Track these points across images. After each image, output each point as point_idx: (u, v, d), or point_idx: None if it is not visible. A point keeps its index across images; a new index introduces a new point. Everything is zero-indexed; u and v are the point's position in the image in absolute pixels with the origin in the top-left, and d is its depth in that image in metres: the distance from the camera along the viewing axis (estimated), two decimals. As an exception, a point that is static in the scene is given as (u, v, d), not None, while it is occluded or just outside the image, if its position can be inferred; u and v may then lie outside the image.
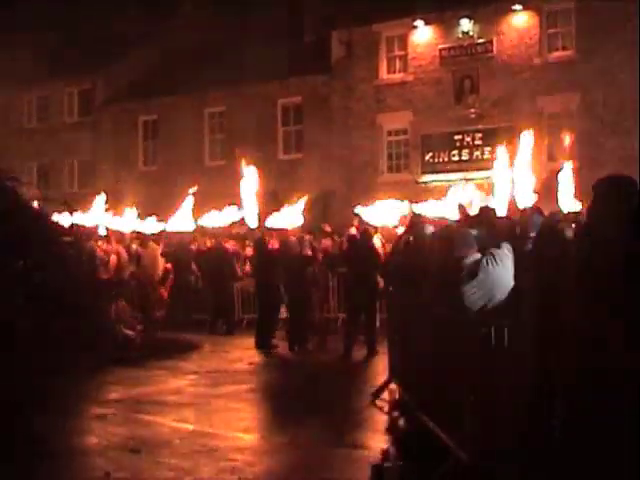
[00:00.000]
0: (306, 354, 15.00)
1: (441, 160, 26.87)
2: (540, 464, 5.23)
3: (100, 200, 19.73)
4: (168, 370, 13.35)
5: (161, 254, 18.93)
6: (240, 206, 17.73)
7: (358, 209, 17.26)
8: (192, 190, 19.59)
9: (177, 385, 12.05)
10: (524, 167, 13.95)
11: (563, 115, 25.41)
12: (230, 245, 19.75)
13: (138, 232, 19.21)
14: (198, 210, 18.87)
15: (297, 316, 15.52)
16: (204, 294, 19.69)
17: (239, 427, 9.24)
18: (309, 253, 16.28)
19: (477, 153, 26.22)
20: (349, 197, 18.15)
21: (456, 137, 26.60)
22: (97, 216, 18.66)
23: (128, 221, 19.60)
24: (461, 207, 10.75)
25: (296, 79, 29.73)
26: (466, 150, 26.42)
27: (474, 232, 7.39)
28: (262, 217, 17.33)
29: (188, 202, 19.37)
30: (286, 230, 16.53)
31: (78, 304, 13.96)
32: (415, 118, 27.47)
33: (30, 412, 9.68)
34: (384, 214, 16.21)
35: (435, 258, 7.61)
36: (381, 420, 9.41)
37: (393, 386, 10.12)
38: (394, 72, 28.36)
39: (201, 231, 20.01)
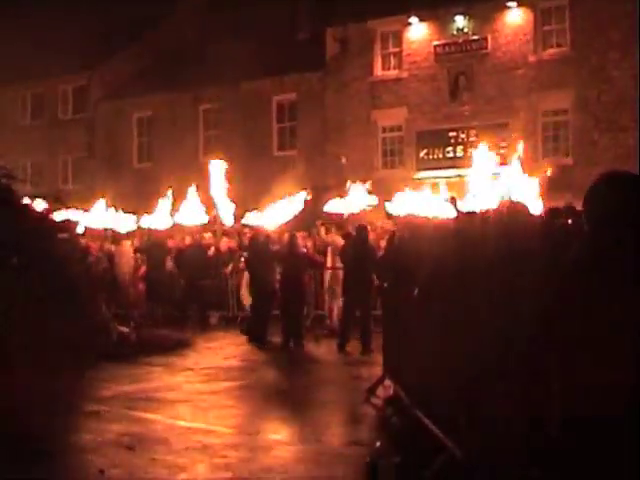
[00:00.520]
0: (301, 351, 15.00)
1: (436, 157, 26.90)
2: (536, 461, 5.24)
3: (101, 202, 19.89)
4: (163, 367, 13.34)
5: (135, 250, 19.08)
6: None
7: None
8: (170, 190, 19.80)
9: (172, 382, 12.05)
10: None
11: (558, 112, 25.46)
12: (224, 242, 19.75)
13: (112, 230, 19.34)
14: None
15: (292, 312, 15.52)
16: (182, 291, 19.61)
17: (234, 424, 9.25)
18: (304, 251, 16.36)
19: (472, 150, 26.22)
20: (343, 194, 18.13)
21: (451, 134, 26.63)
22: (74, 213, 18.75)
23: (101, 218, 19.68)
24: (453, 200, 10.69)
25: (291, 76, 29.75)
26: (461, 147, 26.45)
27: None
28: (238, 215, 17.59)
29: (166, 199, 19.57)
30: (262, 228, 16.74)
31: (74, 301, 13.99)
32: (410, 115, 27.49)
33: (27, 409, 9.69)
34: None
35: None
36: (375, 416, 9.42)
37: (388, 383, 10.13)
38: (389, 69, 28.38)
39: (179, 228, 20.09)
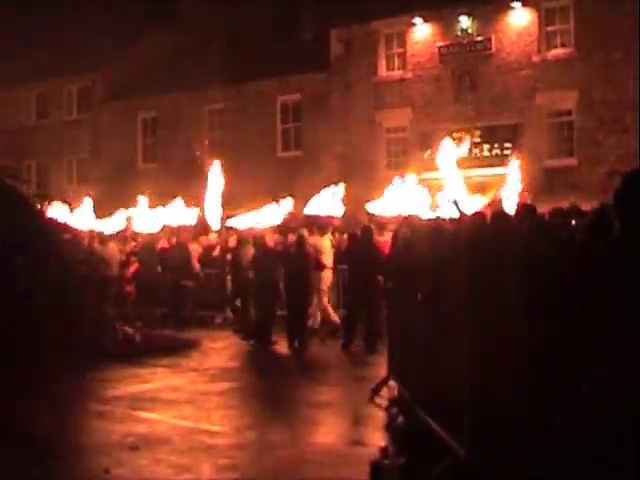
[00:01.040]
0: (306, 351, 14.99)
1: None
2: (539, 461, 5.24)
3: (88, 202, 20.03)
4: (167, 367, 13.35)
5: (129, 252, 19.21)
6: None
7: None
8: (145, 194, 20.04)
9: (176, 382, 12.06)
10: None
11: (562, 113, 25.45)
12: (230, 242, 19.77)
13: (98, 231, 19.43)
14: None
15: (296, 313, 15.51)
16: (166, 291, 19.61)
17: (238, 424, 9.26)
18: (311, 251, 16.38)
19: (476, 151, 26.20)
20: (348, 195, 18.14)
21: (455, 135, 26.56)
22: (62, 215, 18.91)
23: (85, 220, 19.76)
24: (456, 203, 10.66)
25: (295, 77, 29.74)
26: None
27: None
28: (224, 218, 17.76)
29: (143, 201, 19.76)
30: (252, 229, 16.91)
31: (78, 301, 14.01)
32: (414, 115, 27.47)
33: (30, 408, 9.71)
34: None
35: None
36: (380, 417, 9.42)
37: (392, 383, 10.12)
38: (393, 69, 28.36)
39: (166, 230, 20.20)
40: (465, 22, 26.45)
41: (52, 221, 17.67)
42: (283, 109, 30.70)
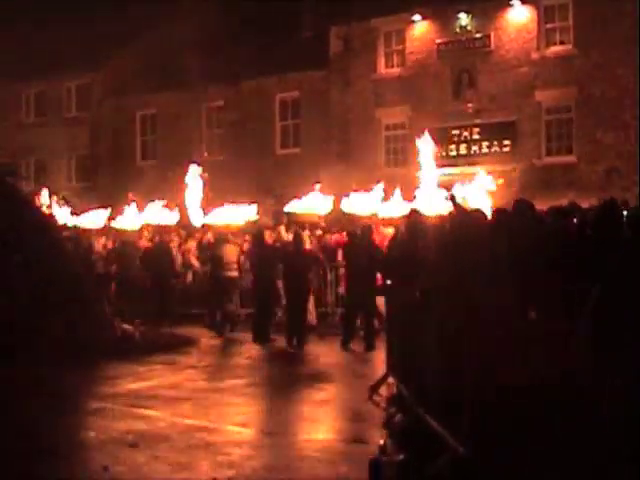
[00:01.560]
0: (304, 349, 15.00)
1: (439, 155, 26.85)
2: (538, 457, 5.25)
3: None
4: (166, 364, 13.35)
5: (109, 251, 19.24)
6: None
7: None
8: (131, 195, 20.07)
9: (175, 379, 12.06)
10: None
11: (561, 110, 25.44)
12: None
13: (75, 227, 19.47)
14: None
15: (295, 310, 15.52)
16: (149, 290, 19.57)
17: (237, 421, 9.25)
18: (309, 248, 16.42)
19: (475, 148, 26.22)
20: (346, 192, 18.18)
21: (454, 132, 26.59)
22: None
23: (61, 216, 19.80)
24: (452, 198, 10.64)
25: (294, 74, 29.74)
26: (464, 145, 26.42)
27: None
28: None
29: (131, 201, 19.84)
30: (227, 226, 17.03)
31: (77, 297, 14.02)
32: (413, 113, 27.46)
33: (29, 406, 9.72)
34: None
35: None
36: (379, 414, 9.42)
37: (391, 381, 10.13)
38: (392, 67, 28.37)
39: (148, 228, 20.23)
40: (464, 19, 26.45)
41: (51, 218, 17.72)
42: (282, 106, 30.71)
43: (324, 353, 14.65)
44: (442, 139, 26.64)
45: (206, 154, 27.76)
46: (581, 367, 4.53)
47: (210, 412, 9.74)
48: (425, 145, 15.88)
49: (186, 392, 11.05)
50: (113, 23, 33.55)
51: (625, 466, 4.31)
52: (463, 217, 7.94)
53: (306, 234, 17.03)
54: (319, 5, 30.14)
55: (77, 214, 20.60)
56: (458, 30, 26.63)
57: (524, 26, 25.75)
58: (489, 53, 26.22)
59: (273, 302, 16.72)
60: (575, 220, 8.62)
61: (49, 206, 19.85)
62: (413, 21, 27.38)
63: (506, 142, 25.68)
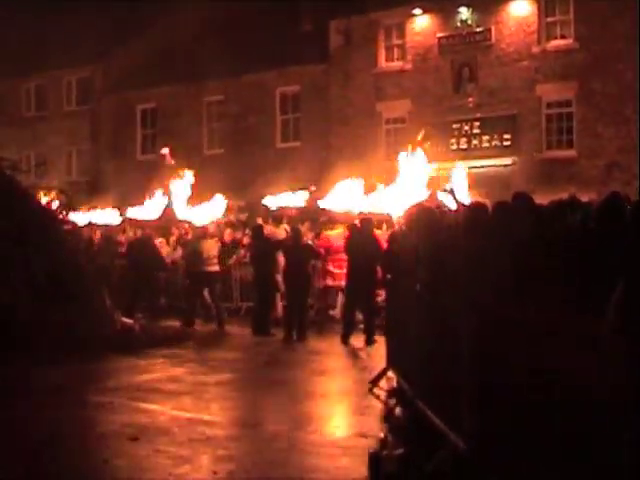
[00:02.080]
0: (304, 342, 15.01)
1: (439, 149, 26.83)
2: (538, 453, 5.25)
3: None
4: (166, 358, 13.35)
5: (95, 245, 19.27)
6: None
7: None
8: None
9: (175, 373, 12.06)
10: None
11: (561, 104, 25.43)
12: (228, 233, 19.71)
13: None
14: (195, 199, 18.92)
15: (296, 305, 15.52)
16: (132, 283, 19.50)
17: (237, 415, 9.27)
18: (308, 242, 16.45)
19: (475, 142, 26.21)
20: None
21: (454, 126, 26.58)
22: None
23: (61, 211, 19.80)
24: (452, 192, 10.63)
25: (294, 68, 29.72)
26: (464, 139, 26.40)
27: None
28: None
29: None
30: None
31: (77, 291, 14.01)
32: (413, 106, 27.44)
33: (30, 399, 9.73)
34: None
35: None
36: (378, 408, 9.43)
37: (391, 374, 10.14)
38: (392, 60, 28.35)
39: (130, 222, 20.28)
40: (465, 13, 26.43)
41: (52, 212, 17.70)
42: (282, 100, 30.69)
43: (324, 347, 14.66)
44: (442, 133, 26.67)
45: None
46: (608, 364, 4.49)
47: (211, 406, 9.75)
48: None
49: (187, 386, 11.06)
50: (113, 17, 33.50)
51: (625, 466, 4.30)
52: (472, 212, 7.93)
53: (283, 226, 17.20)
54: (319, -1, 30.14)
55: (75, 209, 20.54)
56: (459, 24, 26.61)
57: (525, 20, 25.72)
58: (490, 47, 26.20)
59: (273, 295, 16.74)
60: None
61: (49, 200, 19.82)
62: (414, 15, 27.35)
63: (506, 136, 25.66)
